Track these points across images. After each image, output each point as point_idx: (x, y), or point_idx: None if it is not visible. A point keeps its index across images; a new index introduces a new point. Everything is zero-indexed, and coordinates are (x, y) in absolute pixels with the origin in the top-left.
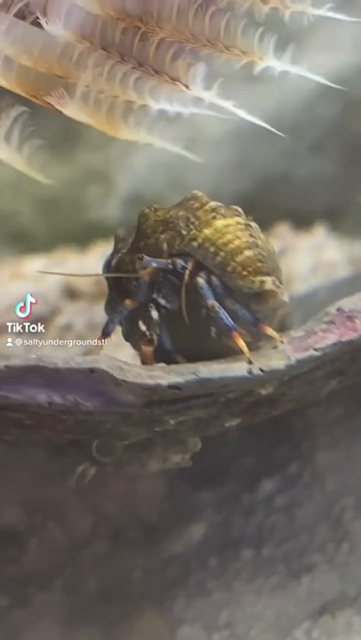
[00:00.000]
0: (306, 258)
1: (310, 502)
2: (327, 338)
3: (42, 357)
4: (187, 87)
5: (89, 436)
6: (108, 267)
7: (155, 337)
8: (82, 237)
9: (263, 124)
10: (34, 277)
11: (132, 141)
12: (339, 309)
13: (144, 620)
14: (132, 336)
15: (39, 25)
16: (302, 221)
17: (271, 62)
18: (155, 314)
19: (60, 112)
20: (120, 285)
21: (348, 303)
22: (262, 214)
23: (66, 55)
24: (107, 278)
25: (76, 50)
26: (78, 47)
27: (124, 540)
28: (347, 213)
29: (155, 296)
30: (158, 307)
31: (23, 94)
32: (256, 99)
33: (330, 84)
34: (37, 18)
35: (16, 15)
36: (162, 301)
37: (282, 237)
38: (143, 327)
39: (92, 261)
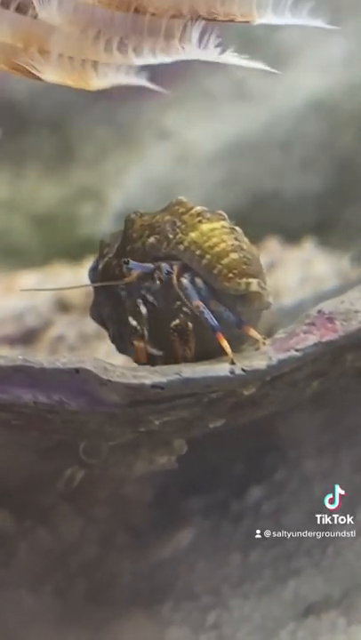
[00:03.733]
0: (295, 271)
1: (297, 508)
2: (308, 339)
3: (28, 358)
4: (182, 47)
5: (75, 436)
6: (94, 271)
7: (145, 332)
8: (75, 253)
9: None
10: (27, 292)
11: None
12: (319, 311)
13: (132, 622)
14: (118, 339)
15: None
16: (292, 236)
17: (270, 18)
18: (143, 309)
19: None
20: (106, 289)
21: (328, 305)
22: (252, 229)
23: (51, 31)
24: (92, 283)
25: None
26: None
27: (113, 545)
28: (335, 228)
29: (143, 292)
30: (146, 302)
31: (3, 67)
32: (246, 116)
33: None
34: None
35: (2, 4)
36: (149, 298)
37: (272, 252)
38: (134, 322)
39: (85, 276)
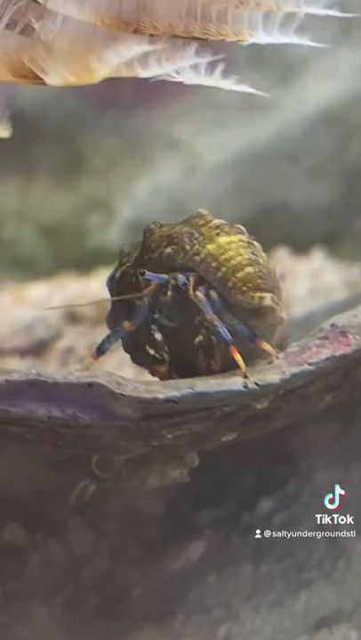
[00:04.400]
0: (304, 282)
1: (308, 520)
2: (321, 352)
3: (41, 372)
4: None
5: (88, 451)
6: (111, 280)
7: (165, 356)
8: (84, 263)
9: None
10: (36, 302)
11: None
12: (333, 325)
13: (144, 635)
14: (132, 349)
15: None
16: (301, 246)
17: (261, 37)
18: (158, 336)
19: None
20: (123, 300)
21: (341, 319)
22: (262, 239)
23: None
24: (110, 291)
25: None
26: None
27: (125, 558)
28: (344, 238)
29: (156, 316)
30: (161, 327)
31: (9, 77)
32: (255, 126)
33: None
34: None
35: (7, 26)
36: (164, 321)
37: (281, 262)
38: (151, 351)
39: (93, 287)
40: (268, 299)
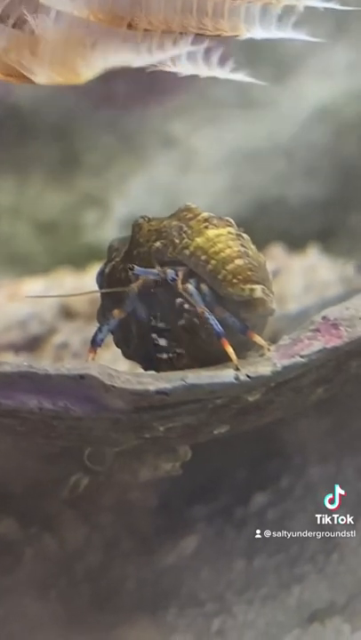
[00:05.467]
0: (299, 278)
1: (302, 515)
2: (312, 345)
3: (32, 364)
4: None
5: (80, 443)
6: (101, 275)
7: (179, 350)
8: (79, 260)
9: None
10: (32, 298)
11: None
12: (324, 317)
13: (137, 628)
14: (123, 343)
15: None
16: (296, 243)
17: (257, 32)
18: (163, 341)
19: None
20: (112, 294)
21: (333, 311)
22: (257, 236)
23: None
24: (99, 286)
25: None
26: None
27: (118, 551)
28: (339, 235)
29: (153, 323)
30: (162, 332)
31: (1, 77)
32: (250, 123)
33: None
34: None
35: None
36: (161, 325)
37: (276, 258)
38: (164, 356)
39: (89, 283)
40: (258, 290)
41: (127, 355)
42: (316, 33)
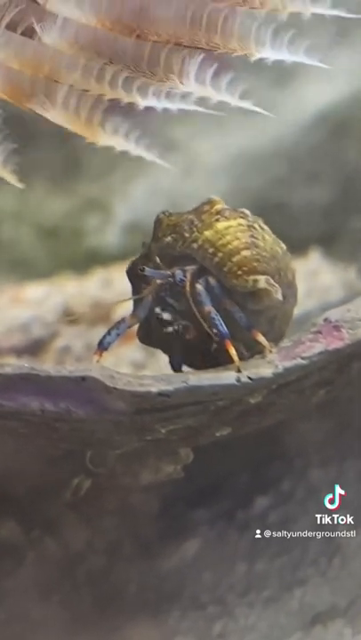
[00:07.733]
0: (301, 282)
1: (304, 518)
2: (314, 347)
3: (34, 366)
4: (181, 82)
5: (82, 445)
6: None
7: (184, 322)
8: (81, 264)
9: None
10: (34, 302)
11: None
12: (326, 319)
13: (139, 632)
14: (146, 339)
15: (31, 36)
16: (298, 247)
17: (268, 53)
18: (166, 315)
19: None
20: (134, 288)
21: (334, 313)
22: None
23: (56, 57)
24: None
25: (68, 53)
26: (70, 51)
27: (120, 554)
28: (341, 239)
29: (176, 327)
30: (165, 306)
31: (7, 99)
32: (252, 128)
33: None
34: (28, 29)
35: (8, 27)
36: (183, 322)
37: None
38: (170, 329)
39: (90, 287)
40: (262, 281)
41: (155, 347)
42: (318, 39)
